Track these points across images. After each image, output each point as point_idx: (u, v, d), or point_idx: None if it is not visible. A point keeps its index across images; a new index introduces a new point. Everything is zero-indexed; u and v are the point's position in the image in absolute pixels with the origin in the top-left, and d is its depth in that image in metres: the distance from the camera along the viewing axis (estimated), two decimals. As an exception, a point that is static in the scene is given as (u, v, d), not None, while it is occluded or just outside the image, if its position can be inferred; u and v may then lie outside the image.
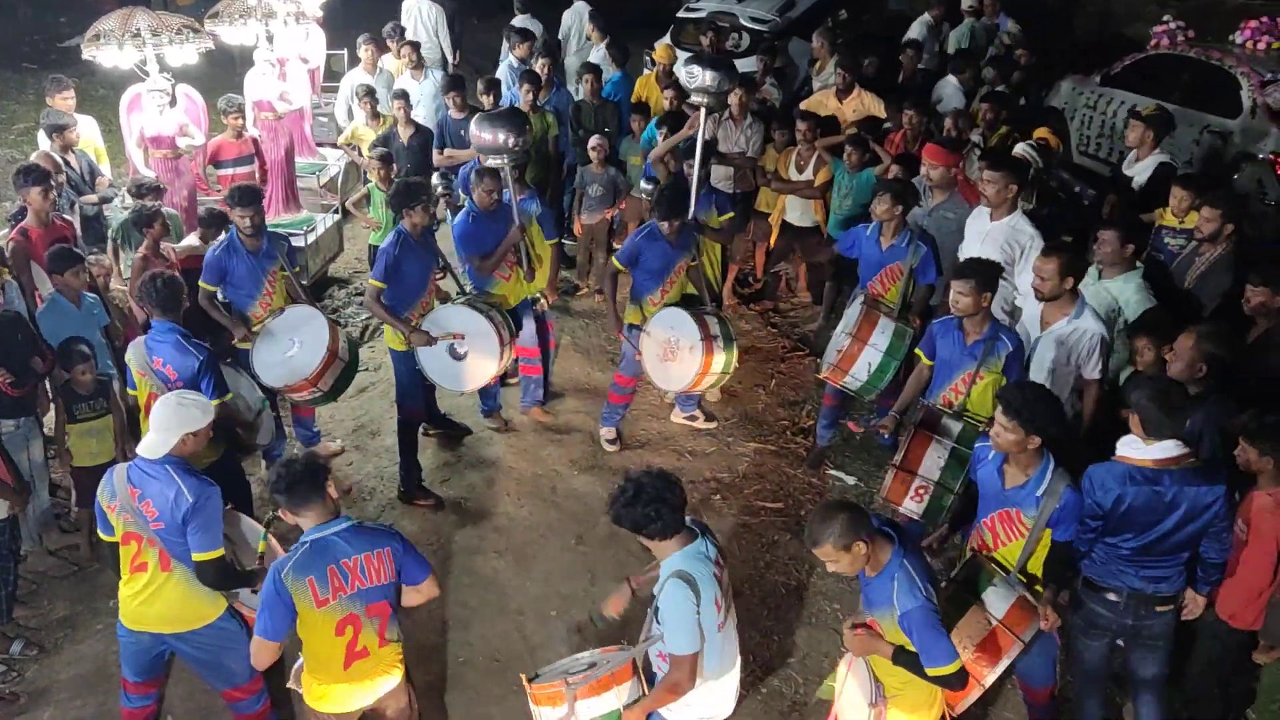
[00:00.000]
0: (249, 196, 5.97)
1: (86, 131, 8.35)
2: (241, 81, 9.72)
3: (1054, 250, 5.11)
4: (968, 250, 6.01)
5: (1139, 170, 7.21)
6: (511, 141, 6.18)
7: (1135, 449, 4.08)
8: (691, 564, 3.58)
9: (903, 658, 3.56)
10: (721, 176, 8.40)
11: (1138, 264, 5.69)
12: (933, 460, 4.93)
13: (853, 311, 6.03)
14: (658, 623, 3.66)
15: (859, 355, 5.84)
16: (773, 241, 8.61)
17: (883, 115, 8.58)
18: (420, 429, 6.58)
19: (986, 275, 5.01)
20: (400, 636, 3.95)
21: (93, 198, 7.72)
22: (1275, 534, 4.23)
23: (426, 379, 6.20)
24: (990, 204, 6.02)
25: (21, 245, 6.33)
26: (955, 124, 7.70)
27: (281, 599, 3.63)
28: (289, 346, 5.90)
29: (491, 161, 6.31)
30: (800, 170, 8.03)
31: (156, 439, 4.08)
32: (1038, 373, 5.17)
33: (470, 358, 6.11)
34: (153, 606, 4.19)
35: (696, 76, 6.61)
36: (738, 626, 3.89)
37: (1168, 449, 4.01)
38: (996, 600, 4.01)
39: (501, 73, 9.90)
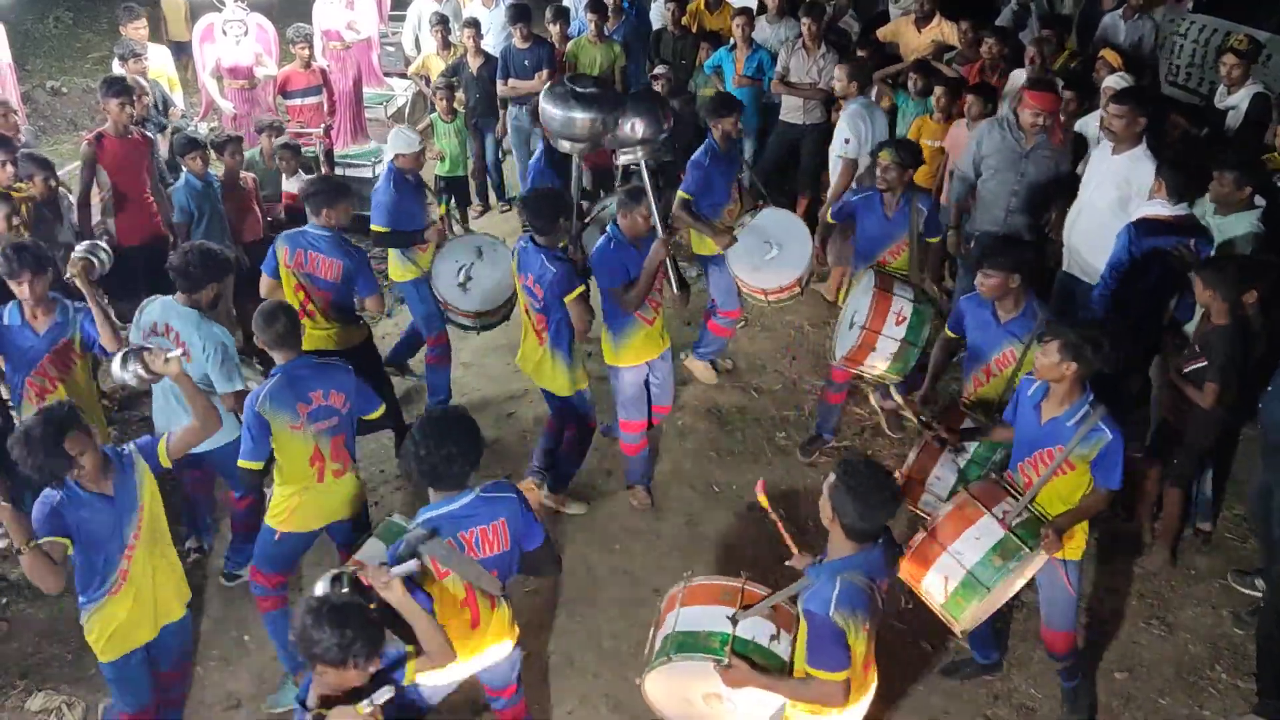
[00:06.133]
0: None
1: (159, 61, 8.44)
2: (310, 10, 9.71)
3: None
4: (1086, 185, 5.89)
5: (1233, 102, 6.93)
6: (648, 130, 5.50)
7: None
8: None
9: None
10: (792, 108, 8.22)
11: (1255, 203, 5.44)
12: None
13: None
14: None
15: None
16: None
17: (958, 45, 8.28)
18: None
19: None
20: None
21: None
22: None
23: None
24: (1117, 139, 5.75)
25: (91, 147, 6.51)
26: (1041, 51, 7.36)
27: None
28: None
29: (623, 158, 5.86)
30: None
31: None
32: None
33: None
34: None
35: None
36: None
37: None
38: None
39: (569, 0, 9.75)
